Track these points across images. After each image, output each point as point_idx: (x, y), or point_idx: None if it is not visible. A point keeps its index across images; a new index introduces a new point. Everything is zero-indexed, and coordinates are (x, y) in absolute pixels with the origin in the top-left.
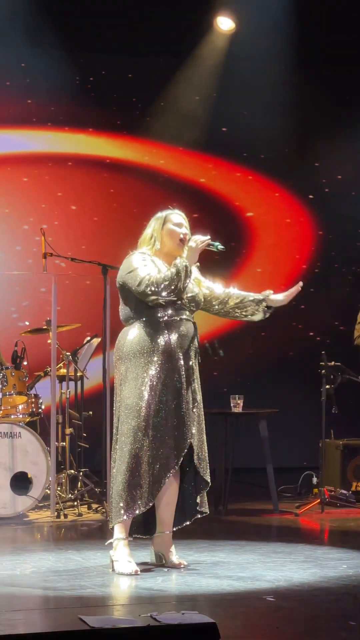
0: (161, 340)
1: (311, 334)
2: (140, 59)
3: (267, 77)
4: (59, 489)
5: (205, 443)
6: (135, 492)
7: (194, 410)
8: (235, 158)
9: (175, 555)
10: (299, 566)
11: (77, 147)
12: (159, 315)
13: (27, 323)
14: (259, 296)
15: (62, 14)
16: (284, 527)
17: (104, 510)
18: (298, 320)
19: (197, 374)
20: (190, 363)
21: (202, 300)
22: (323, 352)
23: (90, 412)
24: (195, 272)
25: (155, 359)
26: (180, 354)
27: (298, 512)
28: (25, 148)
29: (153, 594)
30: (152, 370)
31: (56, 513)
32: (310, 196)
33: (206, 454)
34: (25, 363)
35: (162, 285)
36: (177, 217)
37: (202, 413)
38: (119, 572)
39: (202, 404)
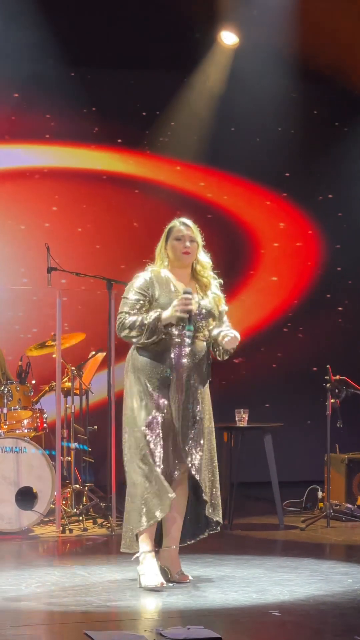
0: (169, 359)
1: (317, 347)
2: (144, 74)
3: (271, 91)
4: (64, 502)
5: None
6: (152, 499)
7: (195, 428)
8: (239, 172)
9: (181, 570)
10: (304, 580)
11: (80, 161)
12: (169, 335)
13: (33, 332)
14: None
15: (66, 28)
16: (289, 542)
17: (109, 525)
18: (304, 334)
19: (204, 395)
20: (197, 384)
21: (217, 315)
22: (328, 366)
23: (95, 427)
24: (215, 288)
25: (161, 376)
26: (187, 374)
27: (303, 526)
28: (29, 163)
29: (159, 608)
30: (156, 387)
31: (61, 528)
32: (319, 220)
33: (218, 488)
34: (33, 382)
35: (128, 333)
36: (179, 229)
37: (212, 436)
38: (146, 585)
39: (210, 423)
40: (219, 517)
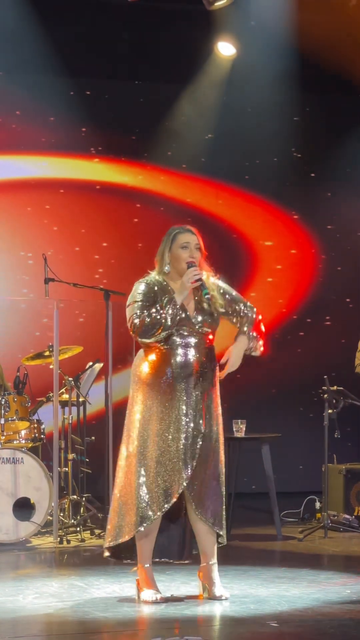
0: (167, 369)
1: (315, 358)
2: (141, 85)
3: (269, 102)
4: (61, 514)
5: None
6: (146, 502)
7: (203, 438)
8: (237, 183)
9: (217, 586)
10: (302, 591)
11: (78, 173)
12: (169, 341)
13: (32, 351)
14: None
15: (63, 40)
16: (287, 552)
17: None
18: (302, 346)
19: (211, 402)
20: (198, 394)
21: (218, 318)
22: (325, 376)
23: (93, 438)
24: (213, 286)
25: (158, 387)
26: (186, 384)
27: (301, 537)
28: (26, 174)
29: (156, 619)
30: (153, 399)
31: (59, 539)
32: (316, 227)
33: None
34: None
35: (144, 331)
36: (184, 237)
37: (219, 445)
38: (143, 599)
39: (218, 434)
40: (222, 533)
